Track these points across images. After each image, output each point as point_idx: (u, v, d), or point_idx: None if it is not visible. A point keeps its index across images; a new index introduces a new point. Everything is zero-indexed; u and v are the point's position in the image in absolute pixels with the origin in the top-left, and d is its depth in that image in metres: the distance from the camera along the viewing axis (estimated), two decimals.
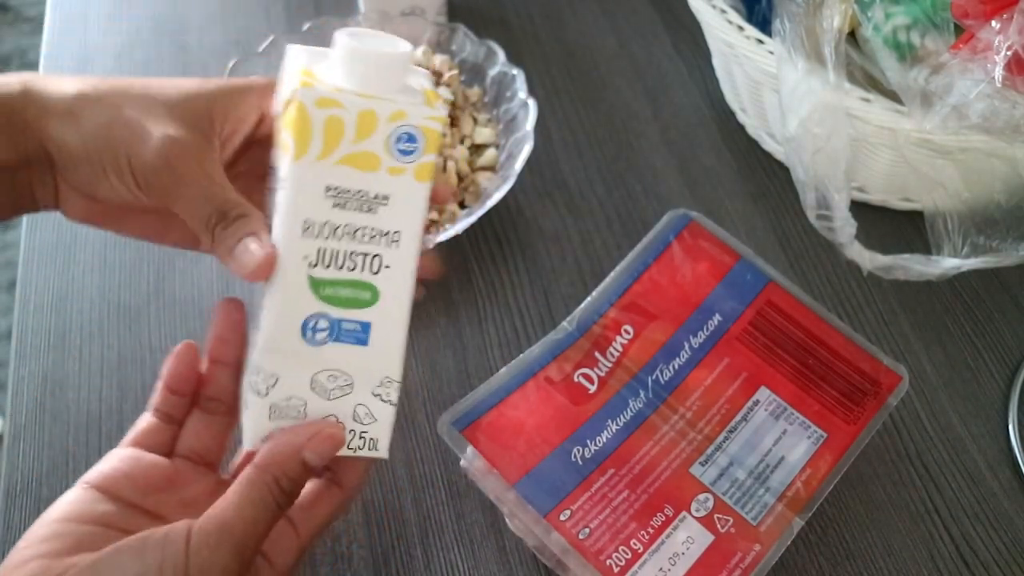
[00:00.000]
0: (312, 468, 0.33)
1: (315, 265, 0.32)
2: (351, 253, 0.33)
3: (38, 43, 0.69)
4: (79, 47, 0.66)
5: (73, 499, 0.33)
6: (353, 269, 0.33)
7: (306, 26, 0.58)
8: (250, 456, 0.35)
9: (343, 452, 0.35)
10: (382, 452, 0.36)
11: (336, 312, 0.33)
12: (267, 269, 0.32)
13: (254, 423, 0.34)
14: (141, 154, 0.33)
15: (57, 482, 0.44)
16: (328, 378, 0.34)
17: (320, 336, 0.33)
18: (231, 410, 0.37)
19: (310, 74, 0.32)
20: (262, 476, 0.32)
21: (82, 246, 0.54)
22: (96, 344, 0.50)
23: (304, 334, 0.33)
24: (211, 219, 0.33)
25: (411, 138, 0.32)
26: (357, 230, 0.32)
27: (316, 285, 0.32)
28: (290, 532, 0.35)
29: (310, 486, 0.36)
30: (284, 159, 0.32)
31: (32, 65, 1.79)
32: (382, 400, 0.35)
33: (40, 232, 0.55)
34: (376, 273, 0.33)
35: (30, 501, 0.44)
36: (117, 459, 0.35)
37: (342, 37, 0.31)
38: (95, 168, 0.33)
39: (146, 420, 0.37)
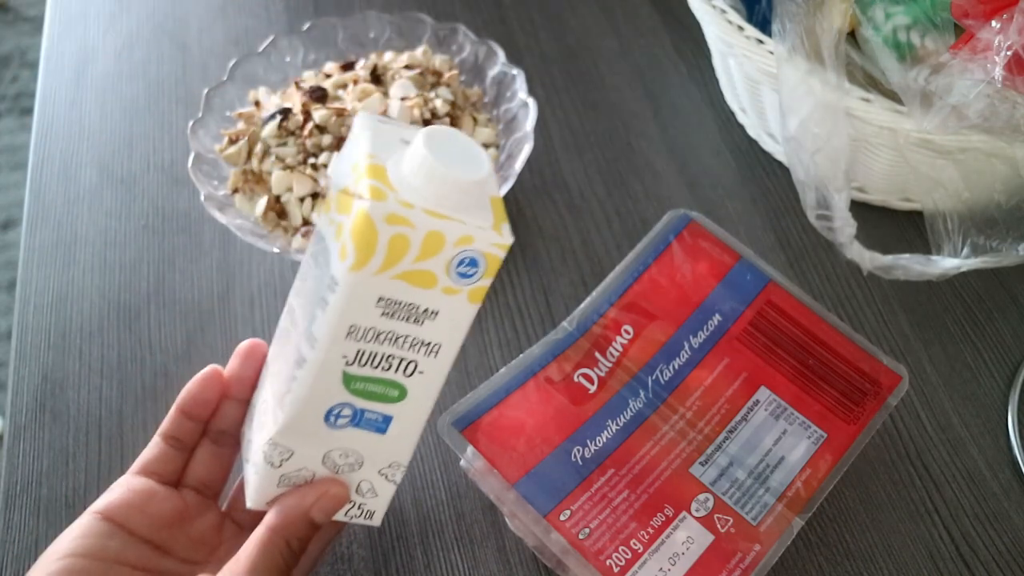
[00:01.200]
0: (318, 525, 0.34)
1: (351, 363, 0.32)
2: (389, 356, 0.32)
3: (38, 43, 0.70)
4: (79, 47, 0.66)
5: (85, 532, 0.33)
6: (388, 369, 0.33)
7: (306, 26, 0.58)
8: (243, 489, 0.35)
9: (338, 517, 0.36)
10: (375, 522, 0.37)
11: (361, 403, 0.33)
12: None
13: (262, 489, 0.35)
14: None
15: (57, 482, 0.45)
16: (340, 456, 0.35)
17: (342, 422, 0.33)
18: (238, 443, 0.38)
19: (381, 174, 0.30)
20: (275, 539, 0.33)
21: (82, 246, 0.54)
22: (96, 344, 0.50)
23: (327, 419, 0.33)
24: None
25: (473, 263, 0.31)
26: (400, 337, 0.32)
27: (348, 380, 0.32)
28: None
29: None
30: (340, 263, 0.30)
31: (32, 65, 1.79)
32: (387, 479, 0.36)
33: (40, 232, 0.55)
34: (409, 376, 0.33)
35: (30, 501, 0.44)
36: (130, 490, 0.35)
37: (421, 146, 0.30)
38: None
39: (156, 447, 0.37)
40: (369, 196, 0.29)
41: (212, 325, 0.51)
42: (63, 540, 0.33)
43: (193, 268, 0.53)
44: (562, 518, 0.37)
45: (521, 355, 0.42)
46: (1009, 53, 0.42)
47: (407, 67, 0.56)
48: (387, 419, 0.34)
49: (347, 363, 0.32)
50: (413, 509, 0.44)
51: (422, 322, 0.32)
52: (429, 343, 0.33)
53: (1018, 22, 0.42)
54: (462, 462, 0.39)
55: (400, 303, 0.31)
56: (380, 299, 0.31)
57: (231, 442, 0.38)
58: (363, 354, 0.32)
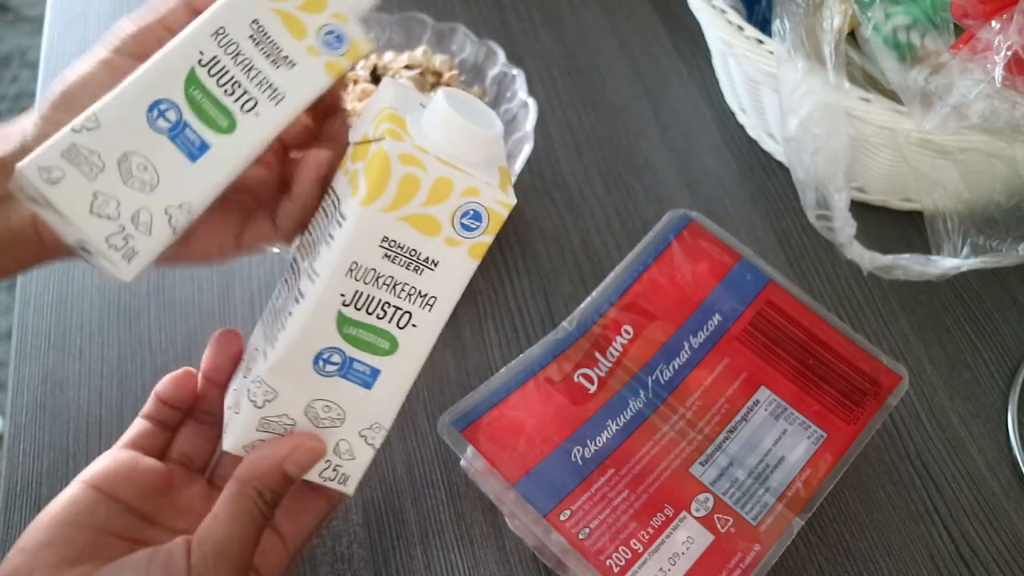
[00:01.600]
0: (293, 478, 0.34)
1: (348, 305, 0.33)
2: (385, 303, 0.33)
3: (38, 43, 0.69)
4: (79, 47, 0.66)
5: (72, 500, 0.33)
6: (382, 318, 0.33)
7: None
8: (234, 462, 0.35)
9: (311, 477, 0.36)
10: (348, 489, 0.36)
11: (351, 351, 0.33)
12: None
13: (241, 430, 0.34)
14: None
15: (57, 482, 0.44)
16: (323, 408, 0.34)
17: (330, 369, 0.34)
18: (221, 422, 0.38)
19: (400, 122, 0.32)
20: (245, 489, 0.32)
21: None
22: (96, 344, 0.50)
23: (316, 363, 0.33)
24: None
25: (477, 216, 0.32)
26: (398, 284, 0.33)
27: (342, 322, 0.33)
28: (278, 544, 0.36)
29: (294, 495, 0.36)
30: (351, 199, 0.32)
31: (32, 65, 1.79)
32: (366, 442, 0.35)
33: None
34: (402, 328, 0.33)
35: (30, 501, 0.44)
36: (115, 460, 0.35)
37: (442, 100, 0.32)
38: None
39: (140, 425, 0.37)
40: (387, 136, 0.30)
41: (212, 325, 0.51)
42: (51, 509, 0.33)
43: (193, 268, 0.53)
44: (562, 518, 0.37)
45: (521, 355, 0.42)
46: (1009, 53, 0.42)
47: (407, 67, 0.56)
48: (375, 372, 0.34)
49: (344, 303, 0.32)
50: (413, 509, 0.44)
51: (421, 271, 0.32)
52: (426, 295, 0.33)
53: (1018, 22, 0.42)
54: (462, 462, 0.39)
55: (403, 247, 0.32)
56: (385, 239, 0.32)
57: (214, 421, 0.38)
58: (360, 296, 0.32)
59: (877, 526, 0.44)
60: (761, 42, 0.50)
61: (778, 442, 0.40)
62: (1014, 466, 0.46)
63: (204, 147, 0.33)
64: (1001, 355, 0.50)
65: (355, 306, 0.33)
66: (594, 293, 0.44)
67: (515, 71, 0.56)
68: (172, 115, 0.32)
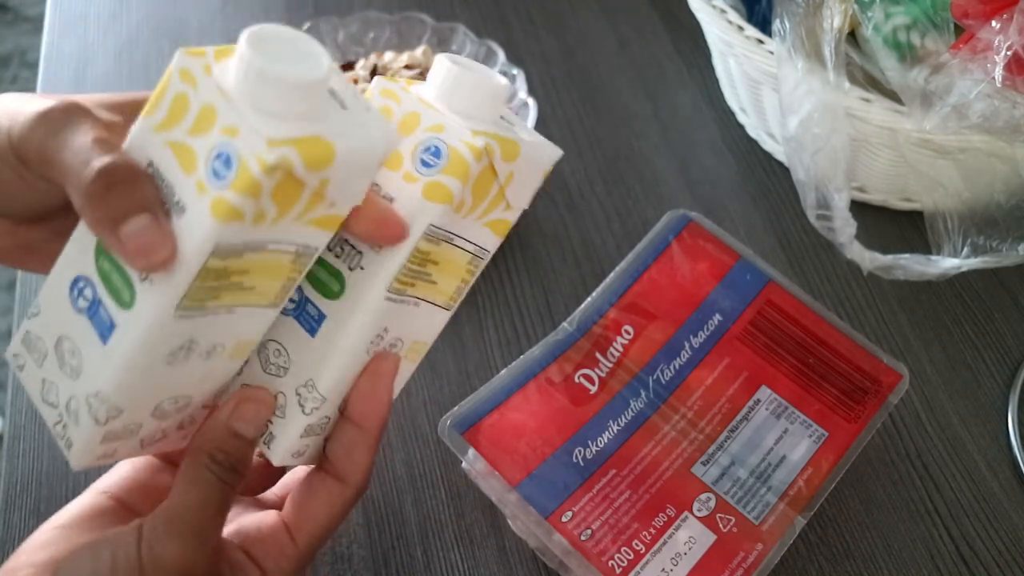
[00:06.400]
0: (246, 437, 0.31)
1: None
2: (342, 238, 0.31)
3: (38, 43, 0.69)
4: (79, 47, 0.66)
5: (82, 504, 0.33)
6: (339, 256, 0.31)
7: (306, 26, 0.58)
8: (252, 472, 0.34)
9: None
10: (272, 453, 0.33)
11: (308, 290, 0.32)
12: (164, 260, 0.26)
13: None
14: (18, 124, 0.29)
15: (57, 482, 0.44)
16: (274, 351, 0.32)
17: (289, 307, 0.32)
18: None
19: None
20: (197, 456, 0.31)
21: None
22: None
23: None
24: (90, 179, 0.26)
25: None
26: None
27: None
28: (283, 535, 0.33)
29: (305, 481, 0.34)
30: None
31: (32, 65, 1.79)
32: (299, 403, 0.32)
33: None
34: (351, 270, 0.31)
35: (30, 501, 0.44)
36: (135, 469, 0.35)
37: (443, 56, 0.31)
38: None
39: None
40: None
41: None
42: (59, 513, 0.33)
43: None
44: (564, 519, 0.37)
45: (521, 356, 0.42)
46: (1009, 53, 0.42)
47: (407, 67, 0.56)
48: (321, 317, 0.32)
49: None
50: (413, 509, 0.44)
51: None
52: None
53: (1018, 22, 0.42)
54: (463, 464, 0.39)
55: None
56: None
57: None
58: None
59: (877, 526, 0.44)
60: (761, 42, 0.50)
61: (779, 441, 0.40)
62: (1014, 466, 0.46)
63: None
64: (1001, 355, 0.50)
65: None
66: (594, 293, 0.44)
67: (515, 71, 0.56)
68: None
